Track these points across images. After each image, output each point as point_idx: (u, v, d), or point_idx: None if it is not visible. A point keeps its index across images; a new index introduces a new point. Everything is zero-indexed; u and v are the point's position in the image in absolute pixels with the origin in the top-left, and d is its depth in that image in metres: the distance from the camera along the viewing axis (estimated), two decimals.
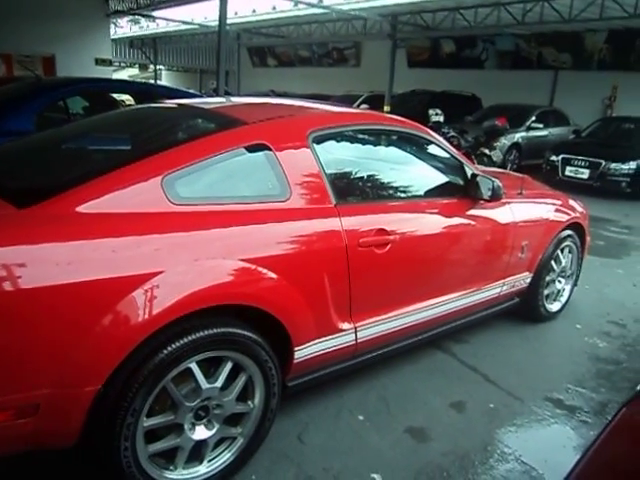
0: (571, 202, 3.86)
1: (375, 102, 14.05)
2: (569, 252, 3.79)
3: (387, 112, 12.40)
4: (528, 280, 3.47)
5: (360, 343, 2.44)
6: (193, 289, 1.78)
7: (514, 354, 3.30)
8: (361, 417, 2.56)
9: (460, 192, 2.91)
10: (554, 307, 3.81)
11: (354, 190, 2.50)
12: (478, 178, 2.86)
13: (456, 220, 2.80)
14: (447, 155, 2.91)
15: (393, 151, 2.95)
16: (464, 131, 10.24)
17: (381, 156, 2.82)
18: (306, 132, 2.28)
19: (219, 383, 1.94)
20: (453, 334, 3.27)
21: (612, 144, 9.67)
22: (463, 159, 2.96)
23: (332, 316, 2.28)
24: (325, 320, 2.26)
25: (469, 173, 2.92)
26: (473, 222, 2.89)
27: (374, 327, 2.48)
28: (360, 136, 2.64)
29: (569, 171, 9.40)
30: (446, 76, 16.08)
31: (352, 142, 2.60)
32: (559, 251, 3.64)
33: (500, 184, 2.81)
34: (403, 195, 2.70)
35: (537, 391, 2.89)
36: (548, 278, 3.65)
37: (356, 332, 2.40)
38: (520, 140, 11.20)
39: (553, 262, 3.64)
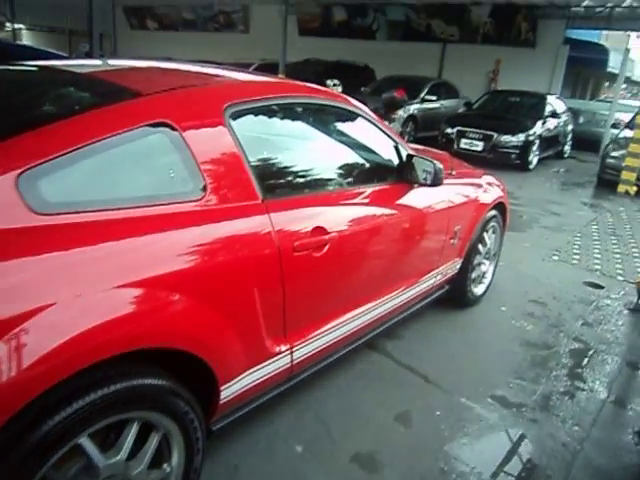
0: (493, 179, 3.70)
1: (268, 71, 13.37)
2: (493, 232, 3.64)
3: None
4: (458, 266, 3.26)
5: (297, 364, 2.03)
6: (71, 336, 1.23)
7: (449, 347, 3.08)
8: (299, 448, 2.16)
9: (395, 176, 2.56)
10: (479, 290, 3.66)
11: (284, 180, 2.03)
12: (415, 160, 2.52)
13: (394, 209, 2.45)
14: (382, 134, 2.53)
15: (325, 130, 2.48)
16: (363, 102, 10.02)
17: (312, 136, 2.36)
18: (222, 106, 1.76)
19: (123, 454, 1.42)
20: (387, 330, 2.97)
21: (502, 117, 10.01)
22: (398, 138, 2.61)
23: (264, 339, 1.83)
24: (256, 346, 1.81)
25: (404, 154, 2.57)
26: (411, 210, 2.56)
27: (312, 343, 2.07)
28: (287, 112, 2.15)
29: (464, 143, 9.59)
30: (338, 46, 15.76)
31: (278, 119, 2.12)
32: (484, 232, 3.47)
33: (441, 166, 2.50)
34: (339, 183, 2.28)
35: (479, 389, 2.68)
36: (475, 261, 3.47)
37: (292, 353, 1.98)
38: (416, 112, 11.25)
39: (479, 244, 3.47)
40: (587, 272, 4.60)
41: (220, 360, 1.63)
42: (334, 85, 10.12)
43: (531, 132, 9.44)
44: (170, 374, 1.51)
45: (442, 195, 2.80)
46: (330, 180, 2.24)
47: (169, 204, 1.52)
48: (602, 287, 4.28)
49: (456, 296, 3.45)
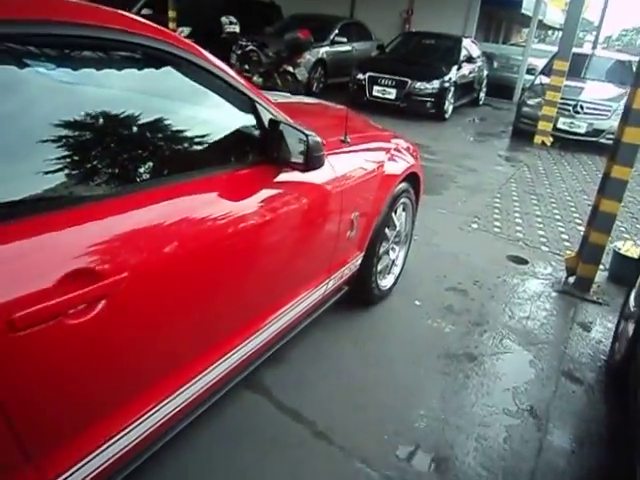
0: (403, 143, 2.94)
1: (156, 5, 11.68)
2: (404, 210, 2.91)
3: (173, 19, 10.34)
4: (359, 262, 2.50)
5: None
6: None
7: (348, 370, 2.35)
8: None
9: (254, 153, 1.70)
10: (388, 282, 2.95)
11: (19, 184, 1.09)
12: (282, 127, 1.66)
13: (251, 208, 1.59)
14: (231, 90, 1.62)
15: (138, 85, 1.50)
16: (264, 44, 8.89)
17: (102, 98, 1.35)
18: None
19: None
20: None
21: (416, 61, 9.27)
22: (257, 95, 1.71)
23: None
24: None
25: (266, 119, 1.69)
26: (281, 205, 1.72)
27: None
28: (76, 53, 1.19)
29: (377, 91, 8.78)
30: None
31: (57, 64, 1.16)
32: (393, 213, 2.73)
33: (317, 140, 1.65)
34: (147, 176, 1.36)
35: (384, 442, 1.99)
36: (381, 250, 2.74)
37: None
38: (325, 56, 10.25)
39: (387, 229, 2.73)
40: (510, 243, 4.05)
41: None
42: (230, 23, 8.87)
43: (446, 78, 8.81)
44: None
45: (328, 173, 1.98)
46: (129, 172, 1.31)
47: None
48: (526, 262, 3.73)
49: (357, 294, 2.71)
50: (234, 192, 1.55)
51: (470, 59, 9.79)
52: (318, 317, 2.36)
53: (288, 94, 3.29)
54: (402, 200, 2.79)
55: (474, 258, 3.67)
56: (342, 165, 2.11)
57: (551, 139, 7.72)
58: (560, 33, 8.69)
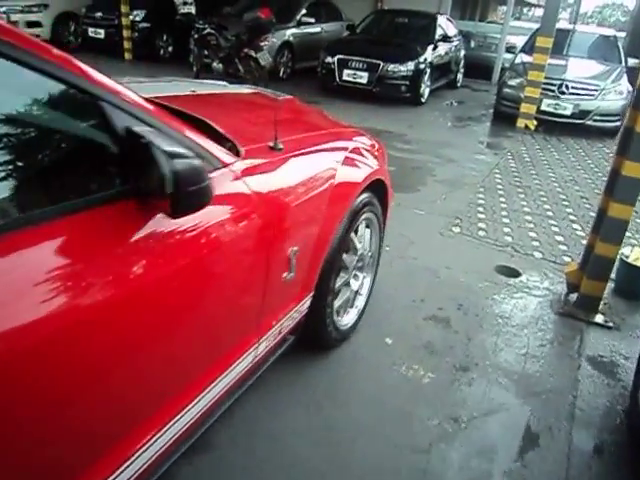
0: (366, 141, 2.32)
1: None
2: (367, 227, 2.30)
3: (125, 1, 9.49)
4: (307, 305, 1.89)
5: None
6: None
7: (295, 456, 1.75)
8: None
9: (112, 186, 1.06)
10: (350, 319, 2.34)
11: None
12: (147, 140, 1.01)
13: (103, 276, 0.96)
14: (52, 79, 0.97)
15: None
16: (223, 27, 8.14)
17: None
18: None
19: None
20: None
21: (388, 42, 8.60)
22: (104, 87, 1.06)
23: None
24: None
25: (120, 127, 1.04)
26: (156, 260, 1.08)
27: None
28: None
29: (347, 75, 8.09)
30: None
31: None
32: (352, 233, 2.11)
33: (195, 163, 1.01)
34: None
35: None
36: (339, 283, 2.13)
37: None
38: (291, 38, 9.52)
39: (345, 254, 2.12)
40: (498, 250, 3.47)
41: None
42: (184, 4, 8.13)
43: (421, 59, 8.17)
44: None
45: (244, 203, 1.35)
46: None
47: None
48: (518, 274, 3.16)
49: (309, 339, 2.11)
50: (73, 252, 0.92)
51: (446, 38, 9.15)
52: (260, 375, 1.75)
53: (223, 83, 2.64)
54: (365, 215, 2.18)
55: (457, 272, 3.08)
56: (267, 184, 1.48)
57: (535, 122, 7.15)
58: (536, 10, 8.09)
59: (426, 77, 8.32)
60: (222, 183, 1.30)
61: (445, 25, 9.49)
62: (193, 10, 8.42)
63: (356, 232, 2.15)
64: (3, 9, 10.88)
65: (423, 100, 8.42)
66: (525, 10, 29.15)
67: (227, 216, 1.30)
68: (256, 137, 1.65)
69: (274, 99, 2.38)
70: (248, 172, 1.41)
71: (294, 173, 1.65)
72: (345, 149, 2.08)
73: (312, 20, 9.97)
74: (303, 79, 9.39)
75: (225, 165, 1.35)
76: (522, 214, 4.14)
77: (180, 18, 9.26)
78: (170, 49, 10.56)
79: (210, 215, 1.21)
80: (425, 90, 8.42)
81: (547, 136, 6.96)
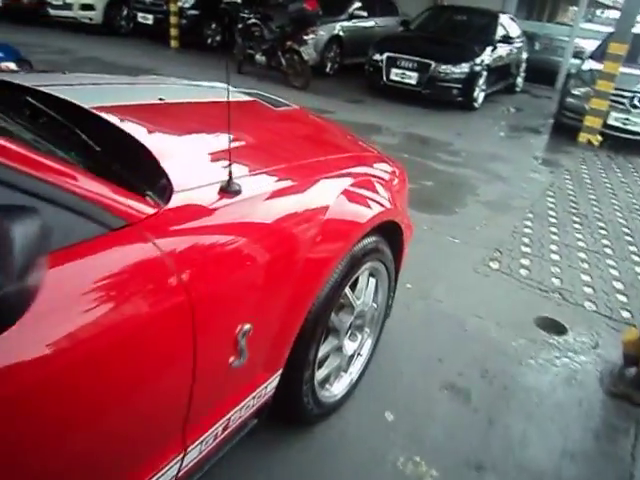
0: (386, 167, 1.88)
1: None
2: (372, 276, 1.85)
3: None
4: (273, 385, 1.46)
5: None
6: None
7: None
8: None
9: None
10: (341, 388, 1.89)
11: None
12: None
13: None
14: None
15: None
16: (268, 17, 7.78)
17: None
18: None
19: None
20: None
21: (443, 41, 7.99)
22: None
23: None
24: None
25: None
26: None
27: None
28: None
29: (395, 74, 7.56)
30: None
31: None
32: (347, 288, 1.67)
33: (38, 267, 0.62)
34: None
35: None
36: (325, 351, 1.69)
37: None
38: (341, 32, 9.06)
39: (336, 315, 1.68)
40: (541, 295, 2.93)
41: None
42: None
43: (478, 61, 7.54)
44: None
45: (153, 274, 0.95)
46: None
47: None
48: (564, 330, 2.63)
49: (282, 413, 1.68)
50: None
51: (507, 39, 8.45)
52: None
53: (221, 85, 2.24)
54: (368, 265, 1.73)
55: (488, 324, 2.58)
56: (198, 244, 1.06)
57: (600, 138, 6.43)
58: (611, 12, 7.29)
59: (481, 80, 7.69)
60: (120, 250, 0.90)
61: (507, 25, 8.78)
62: None
63: (353, 286, 1.71)
64: None
65: (476, 105, 7.79)
66: (598, 12, 27.37)
67: (126, 294, 0.90)
68: (213, 170, 1.24)
69: (270, 110, 1.95)
70: (168, 230, 1.00)
71: (249, 225, 1.22)
72: (350, 178, 1.65)
73: (364, 14, 9.46)
74: (350, 76, 8.93)
75: (134, 222, 0.94)
76: (575, 250, 3.56)
77: (224, 7, 8.96)
78: (218, 38, 10.31)
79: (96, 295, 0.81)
80: (479, 94, 7.79)
81: (612, 154, 6.23)
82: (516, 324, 2.62)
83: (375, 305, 1.93)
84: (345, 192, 1.59)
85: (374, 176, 1.82)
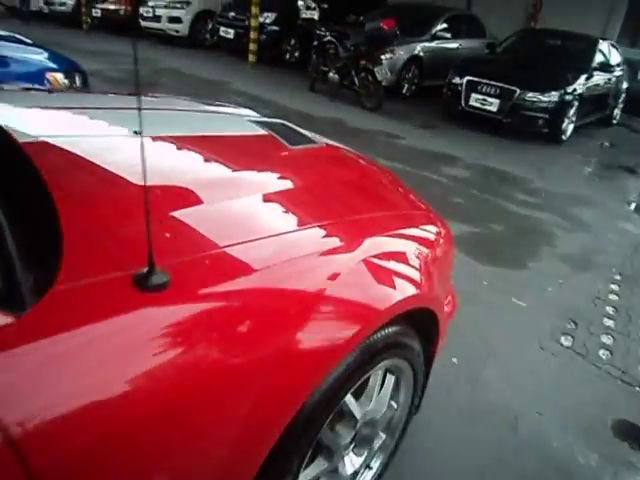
0: (432, 229, 1.46)
1: None
2: (388, 372, 1.42)
3: (256, 2, 9.26)
4: None
5: None
6: None
7: None
8: None
9: None
10: None
11: None
12: None
13: None
14: None
15: None
16: (345, 35, 7.51)
17: None
18: None
19: None
20: None
21: (532, 66, 7.32)
22: None
23: None
24: None
25: None
26: None
27: None
28: None
29: (475, 100, 7.01)
30: None
31: None
32: (349, 395, 1.25)
33: None
34: None
35: None
36: (311, 477, 1.27)
37: None
38: (422, 53, 8.61)
39: (332, 430, 1.26)
40: (622, 389, 2.34)
41: None
42: (307, 8, 7.61)
43: (569, 89, 6.83)
44: None
45: None
46: None
47: None
48: None
49: None
50: None
51: (606, 67, 7.65)
52: None
53: (228, 110, 1.89)
54: (384, 363, 1.31)
55: (550, 426, 2.04)
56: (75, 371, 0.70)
57: None
58: None
59: (572, 111, 6.95)
60: None
61: (607, 51, 7.96)
62: (316, 16, 7.90)
63: (359, 395, 1.29)
64: (151, 4, 11.30)
65: (564, 138, 7.06)
66: None
67: None
68: (146, 248, 0.88)
69: (282, 148, 1.57)
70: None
71: (179, 333, 0.83)
72: (378, 248, 1.25)
73: (448, 35, 8.97)
74: (428, 99, 8.46)
75: None
76: None
77: (301, 23, 8.80)
78: (297, 54, 10.20)
79: None
80: (568, 126, 7.05)
81: None
82: (587, 429, 2.06)
83: (395, 405, 1.49)
84: (364, 261, 1.19)
85: (415, 246, 1.40)
